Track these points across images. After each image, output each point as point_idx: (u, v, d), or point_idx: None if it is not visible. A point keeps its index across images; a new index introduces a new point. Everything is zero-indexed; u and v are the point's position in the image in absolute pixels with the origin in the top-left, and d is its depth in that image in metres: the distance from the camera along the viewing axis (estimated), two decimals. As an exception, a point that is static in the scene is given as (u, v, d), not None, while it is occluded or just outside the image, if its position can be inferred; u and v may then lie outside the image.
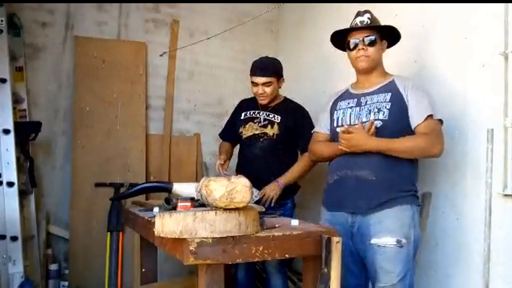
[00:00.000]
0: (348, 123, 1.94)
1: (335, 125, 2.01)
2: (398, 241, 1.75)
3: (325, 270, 1.49)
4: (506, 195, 1.85)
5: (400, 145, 1.79)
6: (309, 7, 3.44)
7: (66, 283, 3.04)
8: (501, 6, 1.90)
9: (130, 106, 3.32)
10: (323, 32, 3.25)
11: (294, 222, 1.73)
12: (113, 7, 3.38)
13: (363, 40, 1.90)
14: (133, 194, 2.16)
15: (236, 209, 1.38)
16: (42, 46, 3.16)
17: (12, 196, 2.60)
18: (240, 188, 1.34)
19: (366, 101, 1.92)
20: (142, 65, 3.40)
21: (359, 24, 1.91)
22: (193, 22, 3.64)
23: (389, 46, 1.99)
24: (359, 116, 1.90)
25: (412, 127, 1.82)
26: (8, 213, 2.57)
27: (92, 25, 3.31)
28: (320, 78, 3.22)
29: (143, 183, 2.37)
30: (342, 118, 1.99)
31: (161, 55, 3.52)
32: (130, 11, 3.44)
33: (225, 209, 1.37)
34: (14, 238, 2.56)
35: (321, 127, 2.13)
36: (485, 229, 1.84)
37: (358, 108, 1.93)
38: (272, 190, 2.42)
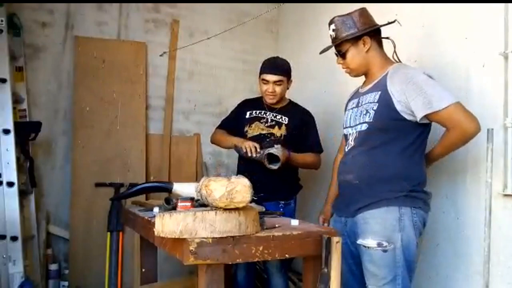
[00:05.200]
0: (349, 125, 1.93)
1: (343, 127, 2.01)
2: (380, 244, 1.70)
3: (325, 270, 1.49)
4: (506, 195, 1.85)
5: (444, 151, 1.82)
6: (309, 7, 3.44)
7: (66, 283, 3.04)
8: (501, 6, 1.90)
9: (130, 106, 3.32)
10: (323, 32, 3.25)
11: (294, 222, 1.73)
12: (113, 7, 3.38)
13: (336, 55, 1.93)
14: (133, 194, 2.16)
15: (236, 209, 1.38)
16: (42, 46, 3.16)
17: (12, 196, 2.60)
18: (240, 188, 1.34)
19: (362, 102, 1.88)
20: (142, 65, 3.40)
21: (330, 38, 1.91)
22: (193, 22, 3.64)
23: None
24: (355, 118, 1.88)
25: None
26: (8, 213, 2.57)
27: (92, 25, 3.31)
28: (320, 78, 3.22)
29: (143, 183, 2.36)
30: (345, 120, 1.98)
31: (161, 55, 3.52)
32: (130, 11, 3.44)
33: (225, 209, 1.37)
34: (14, 238, 2.56)
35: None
36: (485, 229, 1.84)
37: (356, 109, 1.90)
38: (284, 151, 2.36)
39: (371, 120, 1.78)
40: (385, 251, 1.70)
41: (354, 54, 1.86)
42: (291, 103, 2.64)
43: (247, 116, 2.61)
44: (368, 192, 1.78)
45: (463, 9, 2.10)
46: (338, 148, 2.24)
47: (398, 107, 1.72)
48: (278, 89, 2.48)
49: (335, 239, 1.49)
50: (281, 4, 3.50)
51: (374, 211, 1.75)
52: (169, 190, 1.94)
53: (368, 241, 1.73)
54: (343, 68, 1.95)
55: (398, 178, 1.75)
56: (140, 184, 2.17)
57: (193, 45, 3.51)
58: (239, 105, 2.75)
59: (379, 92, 1.79)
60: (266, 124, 2.54)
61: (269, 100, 2.53)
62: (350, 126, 1.92)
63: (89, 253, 3.03)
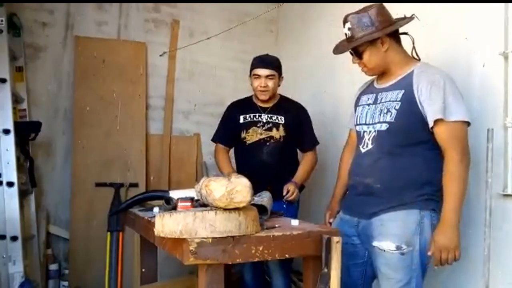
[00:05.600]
0: (364, 122, 1.84)
1: (355, 123, 1.91)
2: (398, 247, 1.65)
3: (325, 270, 1.49)
4: (506, 195, 1.84)
5: (459, 195, 1.61)
6: (309, 7, 3.45)
7: (66, 283, 3.04)
8: (501, 6, 1.90)
9: (130, 106, 3.32)
10: (323, 32, 3.26)
11: (294, 222, 1.73)
12: (113, 7, 3.38)
13: (352, 54, 1.82)
14: (130, 206, 2.18)
15: (236, 209, 1.38)
16: (42, 46, 3.17)
17: (12, 196, 2.60)
18: (240, 188, 1.34)
19: (382, 99, 1.78)
20: (142, 65, 3.40)
21: (345, 36, 1.80)
22: (193, 22, 3.65)
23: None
24: (373, 116, 1.79)
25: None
26: (8, 213, 2.57)
27: (92, 25, 3.31)
28: (320, 78, 3.22)
29: (139, 194, 2.33)
30: (360, 117, 1.88)
31: (161, 55, 3.52)
32: (130, 11, 3.44)
33: (225, 209, 1.37)
34: (14, 238, 2.56)
35: (350, 124, 2.04)
36: (485, 229, 1.84)
37: (374, 106, 1.80)
38: (293, 187, 2.38)
39: (393, 120, 1.70)
40: (402, 254, 1.65)
41: (372, 54, 1.75)
42: (282, 98, 2.58)
43: (241, 121, 2.53)
44: (389, 196, 1.71)
45: (463, 9, 2.10)
46: (345, 145, 2.15)
47: (421, 107, 1.65)
48: (270, 83, 2.43)
49: (335, 239, 1.49)
50: (281, 4, 3.50)
51: (392, 214, 1.69)
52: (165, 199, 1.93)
53: (386, 244, 1.67)
54: (360, 67, 1.84)
55: (421, 184, 1.69)
56: (137, 196, 2.20)
57: (193, 45, 3.51)
58: (227, 110, 2.69)
59: (403, 91, 1.70)
60: (263, 128, 2.48)
61: (261, 96, 2.47)
62: (366, 124, 1.82)
63: (89, 253, 3.03)
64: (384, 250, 1.68)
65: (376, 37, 1.72)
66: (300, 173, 2.48)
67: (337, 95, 3.03)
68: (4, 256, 2.54)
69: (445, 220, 1.60)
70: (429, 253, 1.64)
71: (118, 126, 3.26)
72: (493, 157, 1.82)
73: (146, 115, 3.41)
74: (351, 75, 2.85)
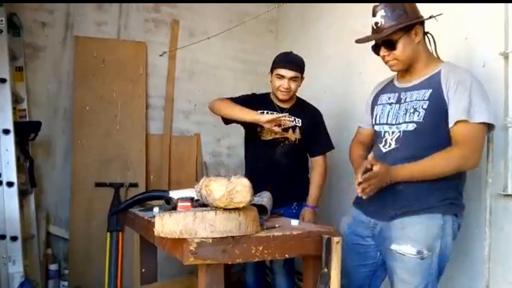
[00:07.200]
0: (385, 121, 1.78)
1: (374, 122, 1.86)
2: (419, 252, 1.60)
3: (325, 270, 1.49)
4: (506, 195, 1.84)
5: (428, 169, 1.60)
6: (309, 7, 3.45)
7: (65, 283, 3.05)
8: (501, 6, 1.90)
9: (130, 106, 3.33)
10: (323, 32, 3.26)
11: (294, 222, 1.73)
12: (113, 7, 3.39)
13: (382, 45, 1.72)
14: (129, 206, 2.18)
15: (236, 209, 1.38)
16: (42, 45, 3.17)
17: (12, 196, 2.60)
18: (240, 188, 1.34)
19: (406, 98, 1.73)
20: (142, 65, 3.40)
21: (374, 26, 1.72)
22: (193, 22, 3.65)
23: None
24: (397, 116, 1.74)
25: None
26: (8, 213, 2.57)
27: (92, 25, 3.32)
28: (320, 78, 3.21)
29: (138, 194, 2.32)
30: (380, 116, 1.82)
31: (161, 55, 3.52)
32: (130, 11, 3.44)
33: (225, 209, 1.37)
34: (14, 238, 2.56)
35: (361, 122, 2.01)
36: (486, 229, 1.84)
37: (397, 106, 1.75)
38: (310, 217, 2.37)
39: (421, 120, 1.65)
40: (422, 258, 1.61)
41: (406, 44, 1.69)
42: (299, 100, 2.52)
43: None
44: (411, 199, 1.66)
45: (463, 9, 2.10)
46: (353, 139, 2.10)
47: (449, 107, 1.62)
48: (293, 85, 2.35)
49: (335, 239, 1.49)
50: (281, 4, 3.50)
51: (415, 217, 1.63)
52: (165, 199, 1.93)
53: (407, 248, 1.62)
54: (388, 59, 1.75)
55: (445, 188, 1.64)
56: (136, 196, 2.19)
57: (193, 45, 3.51)
58: (251, 95, 2.58)
59: (430, 90, 1.66)
60: (280, 128, 2.39)
61: (281, 96, 2.39)
62: (388, 124, 1.77)
63: (89, 253, 3.03)
64: (404, 254, 1.63)
65: (414, 23, 1.68)
66: (314, 194, 2.43)
67: (337, 95, 3.03)
68: (4, 256, 2.54)
69: (400, 173, 1.61)
70: (368, 166, 1.58)
71: (118, 125, 3.27)
72: (493, 157, 1.82)
73: (146, 114, 3.41)
74: (351, 74, 2.86)
